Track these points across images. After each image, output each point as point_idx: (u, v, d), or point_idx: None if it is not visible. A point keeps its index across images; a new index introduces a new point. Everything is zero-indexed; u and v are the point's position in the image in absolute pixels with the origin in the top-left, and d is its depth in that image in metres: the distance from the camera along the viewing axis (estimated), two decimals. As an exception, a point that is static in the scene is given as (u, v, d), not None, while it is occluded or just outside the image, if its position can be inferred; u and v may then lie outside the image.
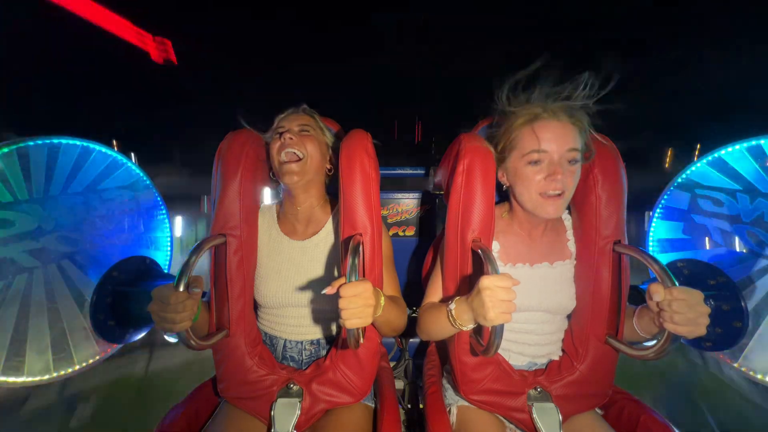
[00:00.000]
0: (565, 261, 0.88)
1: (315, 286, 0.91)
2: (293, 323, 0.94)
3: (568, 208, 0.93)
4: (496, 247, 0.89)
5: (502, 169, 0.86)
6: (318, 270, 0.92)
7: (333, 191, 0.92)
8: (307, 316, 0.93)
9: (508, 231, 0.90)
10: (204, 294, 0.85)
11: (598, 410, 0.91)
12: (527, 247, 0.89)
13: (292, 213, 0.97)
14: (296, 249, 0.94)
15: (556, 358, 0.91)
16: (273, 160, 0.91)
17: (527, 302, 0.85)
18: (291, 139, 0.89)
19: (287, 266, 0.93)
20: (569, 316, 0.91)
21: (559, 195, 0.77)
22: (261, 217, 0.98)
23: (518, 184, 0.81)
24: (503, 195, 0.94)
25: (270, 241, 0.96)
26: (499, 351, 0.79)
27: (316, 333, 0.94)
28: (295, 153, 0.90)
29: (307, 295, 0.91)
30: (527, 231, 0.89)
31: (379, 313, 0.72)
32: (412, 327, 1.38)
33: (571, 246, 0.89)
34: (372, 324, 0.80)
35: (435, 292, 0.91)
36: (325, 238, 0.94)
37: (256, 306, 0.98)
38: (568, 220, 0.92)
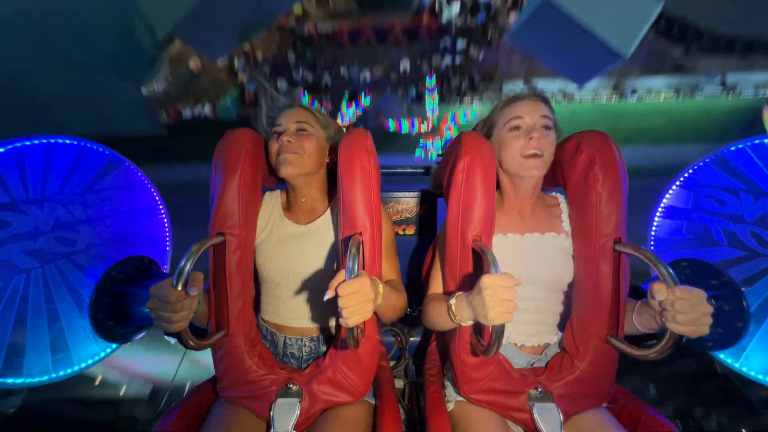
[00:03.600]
0: (559, 234, 0.90)
1: (315, 269, 0.92)
2: (294, 306, 0.94)
3: (565, 196, 0.94)
4: None
5: None
6: (318, 254, 0.93)
7: (333, 181, 0.93)
8: (307, 299, 0.93)
9: (499, 209, 0.94)
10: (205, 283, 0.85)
11: (604, 404, 0.90)
12: (517, 222, 0.92)
13: (296, 203, 1.00)
14: (298, 231, 0.96)
15: (548, 341, 0.92)
16: (271, 157, 0.93)
17: (518, 271, 0.85)
18: (289, 142, 0.90)
19: (289, 245, 0.94)
20: (568, 312, 0.91)
21: (538, 155, 0.84)
22: (265, 203, 1.01)
23: (502, 151, 0.89)
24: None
25: (273, 225, 0.98)
26: None
27: (315, 327, 0.95)
28: (293, 151, 0.90)
29: (308, 276, 0.92)
30: (518, 208, 0.93)
31: (379, 302, 0.73)
32: (412, 326, 1.39)
33: (566, 226, 0.91)
34: (375, 315, 0.80)
35: (437, 282, 0.92)
36: (325, 224, 0.96)
37: (257, 299, 0.98)
38: (563, 203, 0.94)
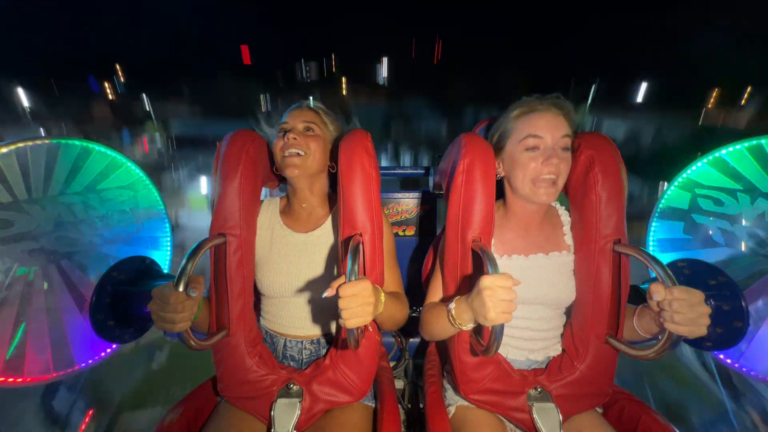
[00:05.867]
0: (562, 252, 0.89)
1: (316, 278, 0.92)
2: (295, 315, 0.94)
3: (566, 205, 0.94)
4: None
5: (498, 160, 0.87)
6: (319, 263, 0.93)
7: (335, 188, 0.93)
8: (308, 309, 0.93)
9: (503, 224, 0.91)
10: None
11: (597, 409, 0.91)
12: (522, 239, 0.90)
13: (296, 208, 0.99)
14: (298, 241, 0.95)
15: (553, 354, 0.91)
16: (276, 157, 0.93)
17: (523, 293, 0.84)
18: (294, 139, 0.90)
19: (289, 257, 0.94)
20: (569, 314, 0.91)
21: (553, 182, 0.80)
22: (263, 210, 1.00)
23: (515, 171, 0.84)
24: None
25: (272, 233, 0.97)
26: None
27: (316, 332, 0.94)
28: (297, 152, 0.91)
29: (308, 287, 0.92)
30: (522, 224, 0.90)
31: (380, 310, 0.73)
32: (412, 327, 1.38)
33: (568, 240, 0.90)
34: (374, 321, 0.80)
35: (436, 291, 0.92)
36: (325, 233, 0.95)
37: (257, 303, 0.98)
38: (565, 215, 0.93)
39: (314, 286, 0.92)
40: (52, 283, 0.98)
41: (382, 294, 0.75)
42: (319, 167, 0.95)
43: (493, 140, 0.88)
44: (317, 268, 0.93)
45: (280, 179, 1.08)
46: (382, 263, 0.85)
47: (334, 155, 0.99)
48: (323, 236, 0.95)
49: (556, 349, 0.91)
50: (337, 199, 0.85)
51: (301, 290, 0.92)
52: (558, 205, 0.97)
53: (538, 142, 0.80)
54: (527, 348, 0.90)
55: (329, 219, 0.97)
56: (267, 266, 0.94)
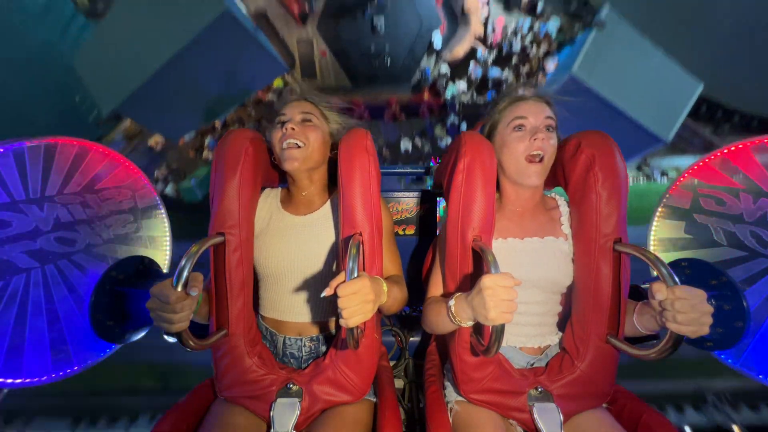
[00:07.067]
0: (558, 239, 0.90)
1: (314, 260, 0.92)
2: (294, 299, 0.93)
3: (565, 196, 0.94)
4: None
5: None
6: (317, 244, 0.93)
7: (334, 178, 0.93)
8: (307, 293, 0.93)
9: (498, 212, 0.93)
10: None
11: (604, 405, 0.90)
12: (517, 225, 0.92)
13: (295, 196, 1.00)
14: (296, 223, 0.96)
15: (549, 343, 0.91)
16: (275, 148, 0.93)
17: (518, 275, 0.85)
18: (293, 129, 0.90)
19: (288, 237, 0.94)
20: (569, 312, 0.91)
21: (540, 160, 0.85)
22: (262, 198, 1.01)
23: (505, 152, 0.88)
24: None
25: (271, 216, 0.98)
26: None
27: (314, 329, 0.94)
28: (296, 143, 0.91)
29: (307, 268, 0.92)
30: (517, 211, 0.93)
31: (383, 301, 0.73)
32: (411, 325, 1.39)
33: (566, 229, 0.91)
34: (378, 312, 0.80)
35: (437, 286, 0.92)
36: (324, 215, 0.96)
37: (256, 299, 0.98)
38: (564, 206, 0.94)
39: (312, 271, 0.92)
40: (50, 283, 0.97)
41: (384, 284, 0.75)
42: (318, 159, 0.95)
43: (485, 132, 0.96)
44: (315, 251, 0.93)
45: (280, 176, 1.08)
46: (381, 262, 0.85)
47: (334, 146, 0.99)
48: (321, 218, 0.96)
49: (552, 339, 0.92)
50: (338, 195, 0.85)
51: (299, 272, 0.92)
52: (557, 196, 0.97)
53: (524, 122, 0.87)
54: (523, 334, 0.90)
55: (328, 203, 0.98)
56: (264, 245, 0.94)
